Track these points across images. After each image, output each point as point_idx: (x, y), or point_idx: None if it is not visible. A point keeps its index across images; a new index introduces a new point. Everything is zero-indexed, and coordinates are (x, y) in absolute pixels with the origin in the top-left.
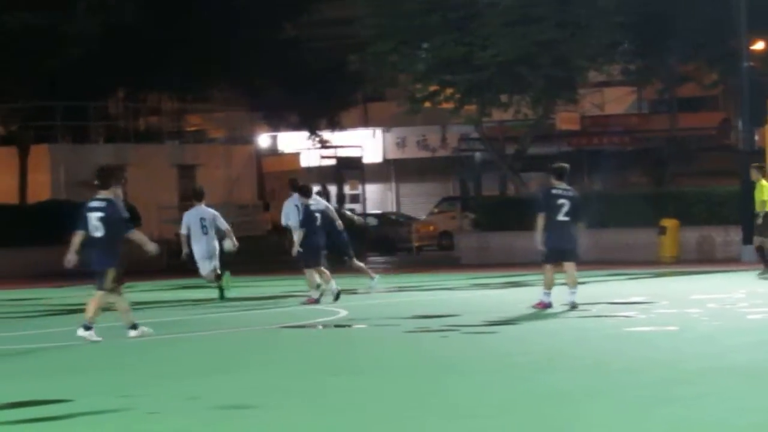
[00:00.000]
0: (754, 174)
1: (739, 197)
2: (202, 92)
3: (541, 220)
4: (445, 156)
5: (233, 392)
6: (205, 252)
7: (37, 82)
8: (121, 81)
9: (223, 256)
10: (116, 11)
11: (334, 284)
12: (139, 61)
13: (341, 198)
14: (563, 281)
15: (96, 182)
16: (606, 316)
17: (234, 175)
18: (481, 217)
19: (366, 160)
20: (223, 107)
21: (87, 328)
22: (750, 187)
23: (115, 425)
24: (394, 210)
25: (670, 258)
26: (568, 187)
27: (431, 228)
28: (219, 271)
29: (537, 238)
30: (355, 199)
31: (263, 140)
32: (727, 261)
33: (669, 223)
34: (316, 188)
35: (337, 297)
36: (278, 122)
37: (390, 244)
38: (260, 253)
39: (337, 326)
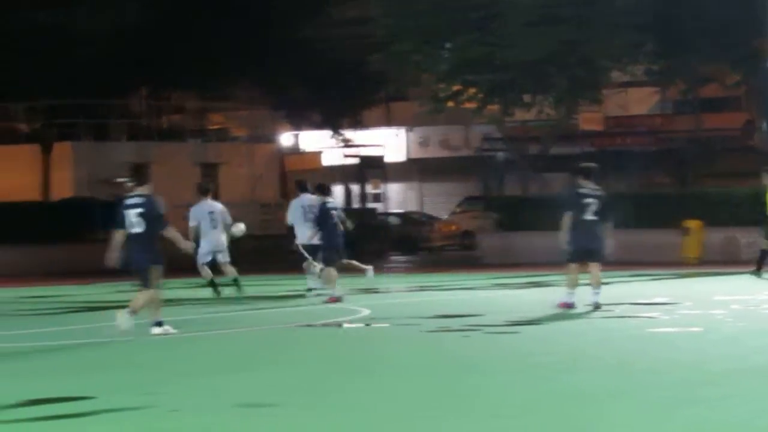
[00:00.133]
0: (765, 178)
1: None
2: (223, 91)
3: (567, 219)
4: (468, 156)
5: (253, 390)
6: (212, 246)
7: (59, 80)
8: (143, 79)
9: (232, 248)
10: (134, 9)
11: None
12: (162, 59)
13: (363, 197)
14: (587, 281)
15: (131, 180)
16: (629, 317)
17: (256, 174)
18: (503, 217)
19: (388, 160)
20: (245, 106)
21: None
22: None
23: (136, 423)
24: (417, 209)
25: (694, 259)
26: (596, 187)
27: (453, 227)
28: (230, 266)
29: (561, 238)
30: (377, 198)
31: (286, 139)
32: (752, 262)
33: (692, 224)
34: (310, 187)
35: (308, 292)
36: (301, 121)
37: (412, 244)
38: (282, 251)
39: (358, 325)
